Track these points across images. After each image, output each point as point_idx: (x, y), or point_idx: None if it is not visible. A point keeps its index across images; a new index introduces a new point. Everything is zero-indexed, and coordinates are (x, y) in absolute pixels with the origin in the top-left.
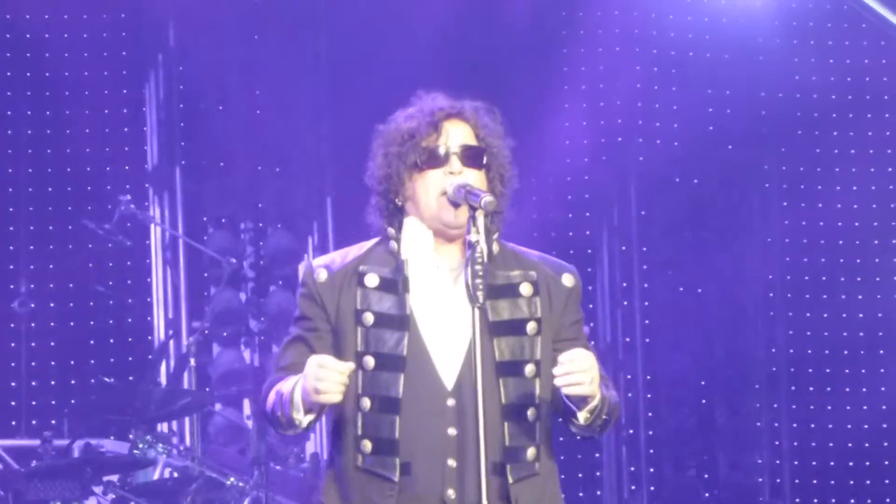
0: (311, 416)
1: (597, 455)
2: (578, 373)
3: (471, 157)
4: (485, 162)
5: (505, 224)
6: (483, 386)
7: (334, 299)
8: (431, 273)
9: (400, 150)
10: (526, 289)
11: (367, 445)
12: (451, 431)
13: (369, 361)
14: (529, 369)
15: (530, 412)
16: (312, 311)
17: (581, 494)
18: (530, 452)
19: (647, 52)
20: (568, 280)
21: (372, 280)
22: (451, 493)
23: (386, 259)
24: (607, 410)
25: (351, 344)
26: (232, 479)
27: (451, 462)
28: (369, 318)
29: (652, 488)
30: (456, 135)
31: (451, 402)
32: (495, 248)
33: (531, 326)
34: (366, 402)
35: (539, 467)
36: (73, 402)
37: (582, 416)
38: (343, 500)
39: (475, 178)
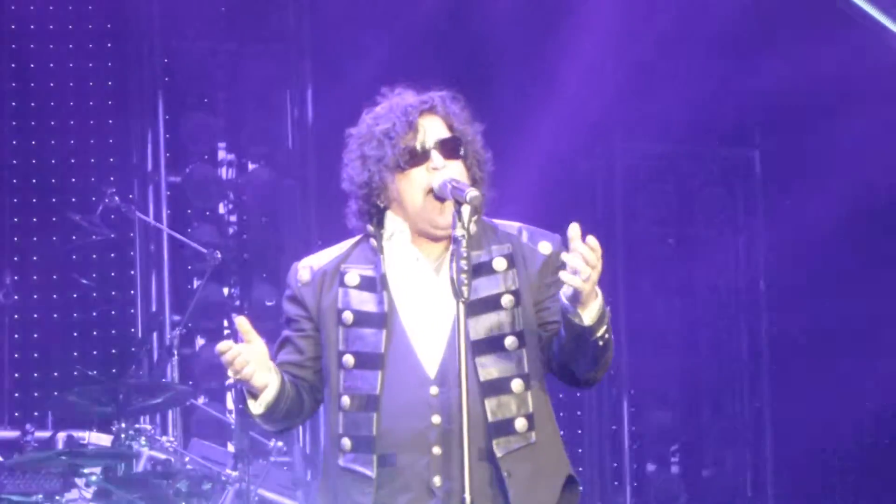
0: (260, 403)
1: (580, 451)
2: (581, 266)
3: (449, 149)
4: (462, 151)
5: (486, 205)
6: (463, 372)
7: (315, 299)
8: (411, 266)
9: (378, 153)
10: (500, 263)
11: (347, 444)
12: (436, 419)
13: (349, 360)
14: (510, 342)
15: (515, 384)
16: (296, 312)
17: None
18: (519, 424)
19: (631, 49)
20: (545, 248)
21: (353, 279)
22: (436, 480)
23: (367, 257)
24: (608, 327)
25: (333, 343)
26: (215, 471)
27: (437, 450)
28: (349, 316)
29: (635, 484)
30: (432, 130)
31: (434, 390)
32: (472, 228)
33: (507, 300)
34: (346, 401)
35: (535, 436)
36: (55, 393)
37: (587, 316)
38: (331, 500)
39: (457, 170)
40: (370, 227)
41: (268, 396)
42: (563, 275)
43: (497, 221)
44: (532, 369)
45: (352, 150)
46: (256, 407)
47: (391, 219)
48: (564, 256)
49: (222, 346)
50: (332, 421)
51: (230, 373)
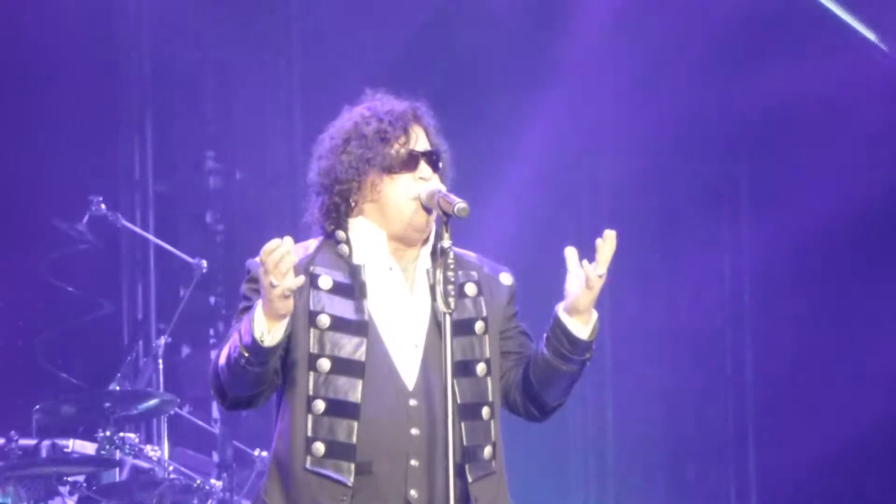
0: (275, 332)
1: (563, 462)
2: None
3: (433, 161)
4: (440, 165)
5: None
6: (440, 387)
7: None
8: (385, 275)
9: (367, 152)
10: (470, 289)
11: (320, 448)
12: (415, 431)
13: (324, 364)
14: (481, 368)
15: (485, 411)
16: None
17: (547, 502)
18: (487, 451)
19: (619, 64)
20: (506, 279)
21: (325, 282)
22: (413, 493)
23: (335, 262)
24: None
25: (302, 344)
26: (199, 481)
27: (414, 462)
28: (325, 320)
29: (619, 497)
30: (421, 139)
31: (413, 402)
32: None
33: (479, 326)
34: (319, 405)
35: (495, 465)
36: (40, 401)
37: (588, 330)
38: (289, 502)
39: (437, 182)
40: (340, 233)
41: (284, 325)
42: (585, 266)
43: (455, 249)
44: (495, 399)
45: (333, 144)
46: (270, 338)
47: (362, 224)
48: (606, 252)
49: (272, 243)
50: (296, 422)
51: (273, 277)
